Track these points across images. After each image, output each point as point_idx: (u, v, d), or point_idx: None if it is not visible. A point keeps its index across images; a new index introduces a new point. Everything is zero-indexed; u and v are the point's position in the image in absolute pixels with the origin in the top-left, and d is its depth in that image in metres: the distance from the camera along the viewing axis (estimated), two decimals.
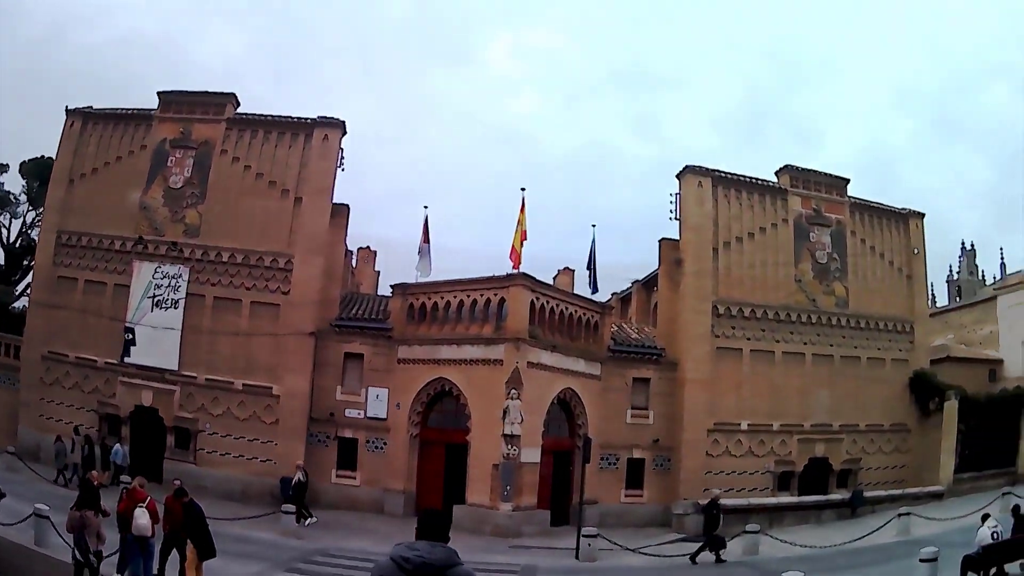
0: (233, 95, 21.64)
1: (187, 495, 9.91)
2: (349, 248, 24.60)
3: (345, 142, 21.01)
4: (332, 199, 20.65)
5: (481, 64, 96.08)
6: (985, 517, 12.06)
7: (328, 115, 20.90)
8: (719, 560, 15.14)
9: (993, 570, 11.28)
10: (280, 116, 21.16)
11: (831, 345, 23.10)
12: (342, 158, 20.82)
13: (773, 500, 21.29)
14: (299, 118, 21.03)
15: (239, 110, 21.61)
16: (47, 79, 52.86)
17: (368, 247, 29.19)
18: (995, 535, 11.45)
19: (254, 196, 20.48)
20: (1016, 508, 12.61)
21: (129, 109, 22.09)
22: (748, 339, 21.82)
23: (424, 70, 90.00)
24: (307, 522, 15.92)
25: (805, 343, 22.62)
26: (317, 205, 20.22)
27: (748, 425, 21.58)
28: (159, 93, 21.79)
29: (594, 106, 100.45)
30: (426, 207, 25.42)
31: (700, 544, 15.41)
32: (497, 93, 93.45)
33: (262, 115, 21.32)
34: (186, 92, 21.68)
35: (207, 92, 21.58)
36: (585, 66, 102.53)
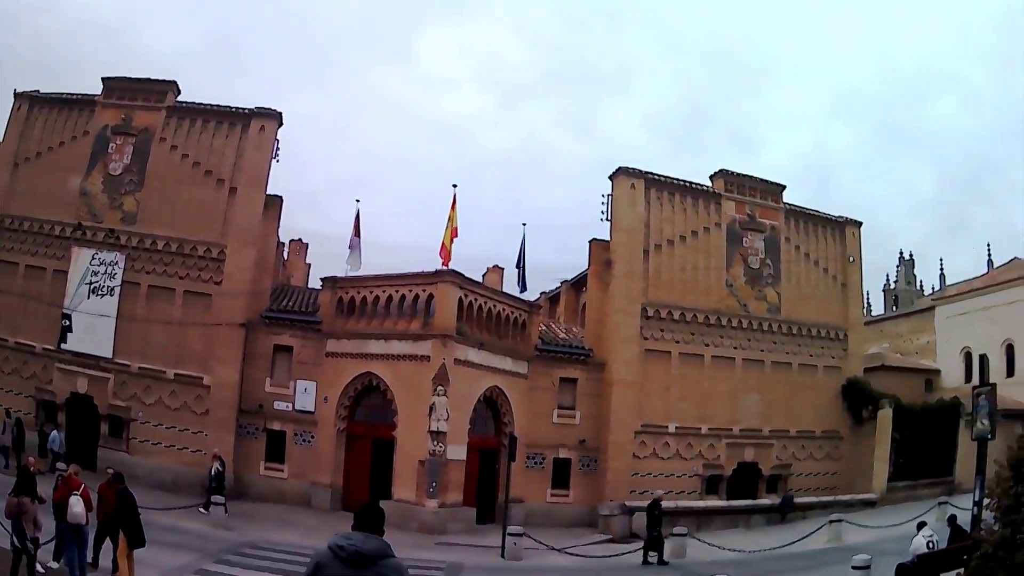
0: (174, 83, 22.53)
1: (123, 482, 10.45)
2: (281, 240, 25.64)
3: (282, 134, 22.19)
4: (266, 190, 21.65)
5: (421, 60, 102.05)
6: (920, 526, 12.71)
7: (265, 106, 21.99)
8: (661, 562, 16.35)
9: None
10: (218, 105, 22.11)
11: (762, 350, 24.76)
12: (277, 149, 21.88)
13: (701, 503, 22.83)
14: (237, 108, 22.03)
15: (180, 98, 22.48)
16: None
17: (300, 239, 30.53)
18: (931, 544, 12.05)
19: (190, 185, 21.32)
20: (953, 518, 13.59)
21: (74, 94, 22.90)
22: (677, 342, 23.29)
23: (365, 64, 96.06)
24: (206, 510, 16.62)
25: (735, 348, 24.21)
26: (251, 196, 21.25)
27: (676, 428, 22.99)
28: (103, 79, 22.62)
29: (531, 105, 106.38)
30: (358, 201, 27.11)
31: (644, 544, 16.71)
32: (436, 89, 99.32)
33: (201, 104, 22.21)
34: (129, 79, 22.51)
35: (149, 79, 22.43)
36: (524, 64, 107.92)
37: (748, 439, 24.52)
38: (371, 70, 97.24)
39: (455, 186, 21.21)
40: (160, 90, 22.36)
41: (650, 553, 16.62)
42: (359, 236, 22.50)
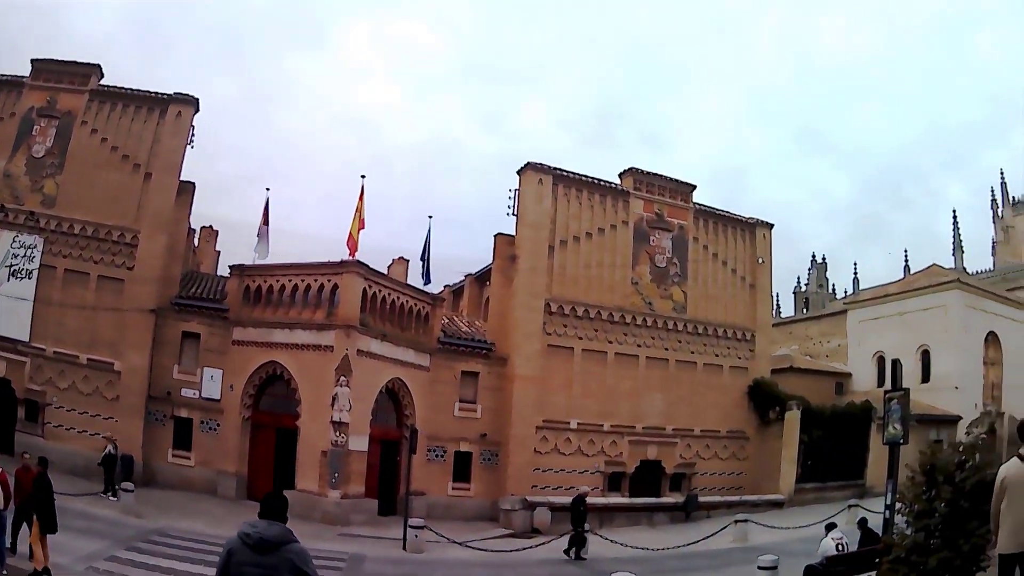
0: (98, 66, 24.82)
1: (46, 467, 11.88)
2: (192, 227, 28.26)
3: (197, 120, 24.83)
4: (179, 176, 24.26)
5: (337, 49, 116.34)
6: (830, 528, 14.41)
7: (183, 92, 24.62)
8: (579, 557, 18.68)
9: None
10: (138, 90, 24.59)
11: (666, 349, 28.83)
12: (192, 135, 24.53)
13: (603, 500, 25.83)
14: (156, 93, 24.56)
15: (103, 82, 24.80)
16: None
17: (211, 226, 33.06)
18: (840, 547, 13.54)
19: (108, 169, 23.67)
20: (863, 521, 15.24)
21: (3, 75, 24.85)
22: (580, 338, 26.97)
23: (282, 52, 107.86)
24: (110, 495, 18.85)
25: (639, 345, 28.15)
26: (165, 182, 23.81)
27: (578, 424, 26.61)
28: (32, 61, 24.69)
29: (445, 98, 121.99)
30: (268, 189, 30.23)
31: (577, 537, 19.02)
32: (350, 79, 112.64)
33: (122, 88, 24.63)
34: (55, 61, 24.68)
35: (74, 62, 24.72)
36: (437, 57, 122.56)
37: (651, 437, 28.52)
38: (287, 58, 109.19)
39: (363, 177, 24.62)
40: (84, 73, 24.75)
41: (576, 549, 19.18)
42: (267, 224, 25.45)
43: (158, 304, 22.92)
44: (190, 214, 25.84)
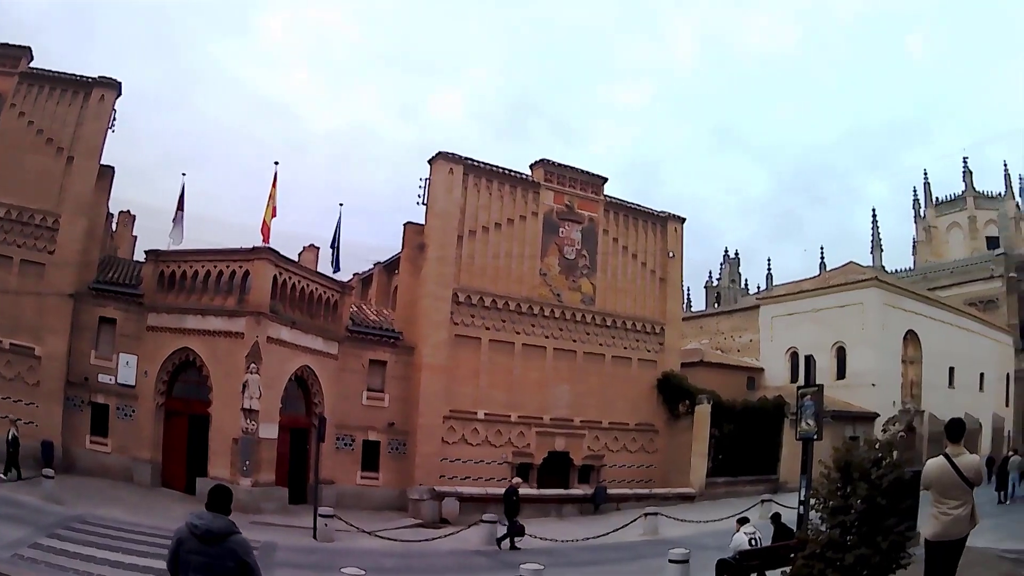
0: (28, 49, 28.23)
1: None
2: (111, 211, 32.03)
3: (120, 104, 28.59)
4: (100, 160, 27.98)
5: (259, 36, 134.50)
6: (742, 522, 16.42)
7: (107, 75, 28.34)
8: (513, 547, 22.03)
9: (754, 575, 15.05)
10: (65, 73, 28.16)
11: (574, 341, 34.55)
12: (114, 120, 28.27)
13: None
14: (81, 76, 28.21)
15: (32, 64, 28.18)
16: None
17: (128, 211, 36.99)
18: (753, 541, 15.43)
19: (34, 152, 27.08)
20: (776, 516, 17.65)
21: None
22: (488, 329, 32.24)
23: (205, 38, 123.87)
24: (7, 475, 22.10)
25: (547, 337, 33.74)
26: (86, 166, 27.48)
27: (485, 414, 31.84)
28: None
29: (362, 86, 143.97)
30: (184, 174, 33.83)
31: (511, 527, 22.49)
32: (272, 67, 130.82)
33: (49, 71, 28.10)
34: None
35: (5, 44, 27.99)
36: (358, 46, 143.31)
37: (559, 429, 34.20)
38: (211, 44, 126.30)
39: (276, 164, 29.12)
40: (15, 56, 28.18)
41: (512, 539, 22.71)
42: (183, 210, 29.67)
43: (77, 289, 26.69)
44: (109, 198, 29.78)
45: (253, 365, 25.43)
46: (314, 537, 21.38)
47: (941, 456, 9.32)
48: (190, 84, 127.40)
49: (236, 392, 25.32)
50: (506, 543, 22.52)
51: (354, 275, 40.87)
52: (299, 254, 34.82)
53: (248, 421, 25.24)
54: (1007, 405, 63.30)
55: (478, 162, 33.26)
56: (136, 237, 37.24)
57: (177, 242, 28.99)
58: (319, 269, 32.34)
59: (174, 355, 26.68)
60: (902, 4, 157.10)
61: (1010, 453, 35.87)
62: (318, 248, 35.35)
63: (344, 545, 21.16)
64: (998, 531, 18.87)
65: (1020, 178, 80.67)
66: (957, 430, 9.66)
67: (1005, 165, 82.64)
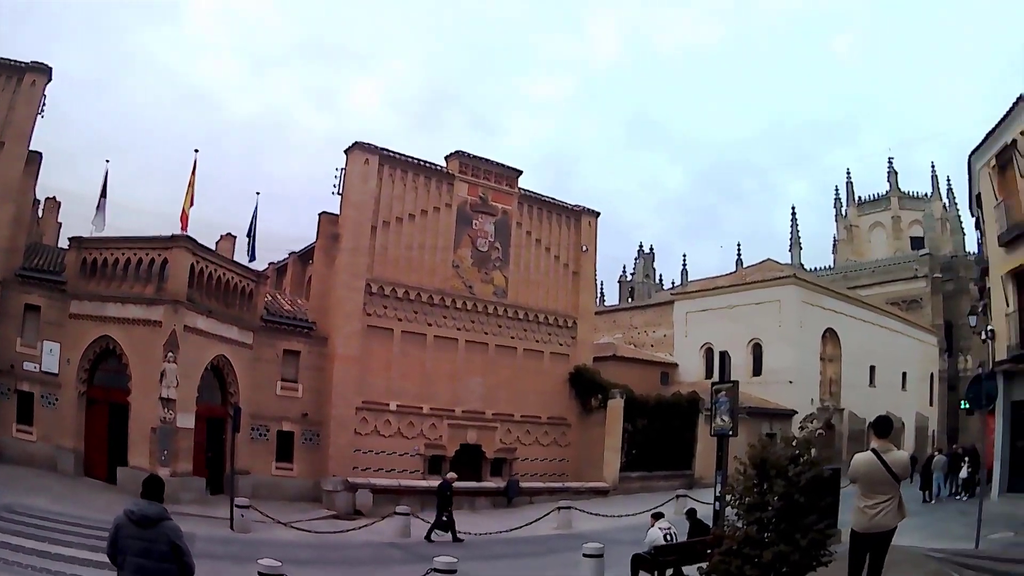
0: None
1: None
2: (37, 197, 35.45)
3: (50, 89, 31.98)
4: (29, 146, 31.35)
5: (188, 23, 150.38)
6: (657, 517, 18.27)
7: (39, 60, 31.78)
8: (456, 539, 25.50)
9: (669, 571, 17.16)
10: (2, 59, 31.40)
11: (486, 333, 39.78)
12: (44, 105, 31.72)
13: (424, 483, 33.71)
14: (13, 61, 31.54)
15: None
16: None
17: (54, 197, 40.40)
18: (668, 536, 17.22)
19: None
20: (692, 512, 19.68)
21: None
22: (400, 320, 37.02)
23: (138, 25, 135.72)
24: None
25: (459, 329, 38.82)
26: (15, 151, 30.74)
27: (397, 406, 36.53)
28: None
29: (282, 74, 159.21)
30: (108, 161, 36.77)
31: (442, 522, 25.84)
32: (197, 54, 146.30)
33: None
34: None
35: None
36: (277, 32, 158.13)
37: (471, 421, 39.39)
38: (142, 30, 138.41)
39: (196, 151, 33.25)
40: None
41: (436, 532, 26.17)
42: (106, 197, 33.55)
43: (3, 276, 30.16)
44: (36, 184, 33.53)
45: (171, 354, 29.21)
46: (231, 528, 24.47)
47: (869, 451, 10.62)
48: (120, 70, 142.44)
49: (155, 381, 28.89)
50: (444, 536, 26.23)
51: (269, 264, 45.34)
52: (216, 243, 38.88)
53: (166, 410, 28.72)
54: (931, 405, 71.98)
55: (394, 153, 38.26)
56: (61, 224, 40.79)
57: (99, 229, 32.77)
58: (236, 258, 36.54)
59: (95, 343, 30.30)
60: (831, 4, 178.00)
61: (935, 453, 42.34)
62: (235, 237, 39.59)
63: (261, 536, 24.08)
64: (924, 530, 21.93)
65: (948, 179, 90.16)
66: (884, 426, 11.19)
67: (933, 166, 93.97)
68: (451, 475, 29.46)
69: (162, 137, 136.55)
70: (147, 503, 8.37)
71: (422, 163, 39.26)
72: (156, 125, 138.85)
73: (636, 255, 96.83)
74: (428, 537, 25.98)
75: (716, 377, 40.35)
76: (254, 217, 36.33)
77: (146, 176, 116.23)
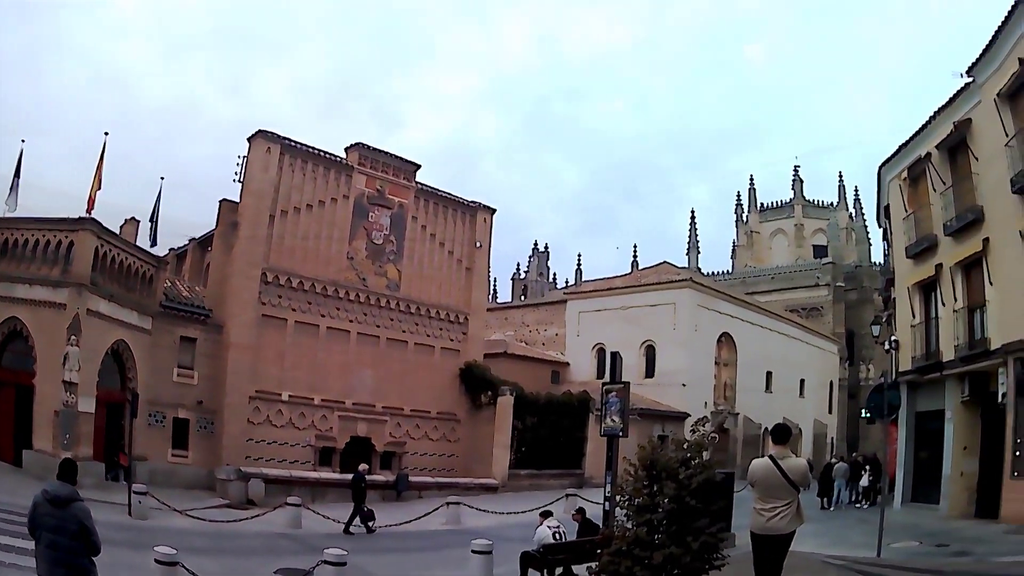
0: None
1: None
2: None
3: None
4: None
5: (108, 6, 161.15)
6: (546, 515, 20.84)
7: None
8: (370, 531, 29.50)
9: (559, 570, 19.13)
10: None
11: (378, 326, 46.73)
12: None
13: (315, 475, 40.18)
14: None
15: None
16: None
17: None
18: (557, 535, 19.48)
19: None
20: (581, 511, 21.76)
21: None
22: (294, 310, 43.47)
23: (60, 8, 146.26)
24: None
25: (351, 321, 45.59)
26: None
27: (289, 396, 42.91)
28: None
29: (194, 59, 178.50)
30: (24, 141, 42.19)
31: (362, 513, 29.70)
32: (114, 37, 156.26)
33: None
34: None
35: None
36: (192, 17, 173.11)
37: (361, 414, 46.21)
38: (63, 11, 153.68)
39: (107, 134, 38.87)
40: None
41: (354, 523, 30.06)
42: (19, 177, 38.67)
43: None
44: None
45: (74, 337, 33.64)
46: (129, 514, 27.26)
47: (767, 457, 11.92)
48: (41, 51, 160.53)
49: (58, 364, 32.45)
50: (360, 528, 30.22)
51: (170, 250, 51.20)
52: (121, 227, 44.12)
53: (68, 394, 32.58)
54: (830, 412, 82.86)
55: (295, 142, 44.79)
56: None
57: (12, 209, 37.93)
58: (138, 243, 42.13)
59: (4, 324, 34.56)
60: (745, 13, 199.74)
61: (834, 460, 49.36)
62: (139, 221, 44.99)
63: (157, 523, 26.78)
64: (822, 537, 24.41)
65: (856, 190, 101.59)
66: (782, 433, 12.54)
67: (840, 176, 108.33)
68: (363, 466, 34.55)
69: (80, 119, 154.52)
70: (60, 484, 10.63)
71: (322, 154, 45.97)
72: (74, 107, 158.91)
73: (531, 253, 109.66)
74: (347, 529, 30.00)
75: (607, 377, 46.41)
76: (157, 202, 42.31)
77: (63, 157, 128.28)
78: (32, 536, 10.61)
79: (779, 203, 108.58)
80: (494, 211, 53.49)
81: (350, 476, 37.38)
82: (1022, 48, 27.66)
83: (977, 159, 31.66)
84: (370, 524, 30.48)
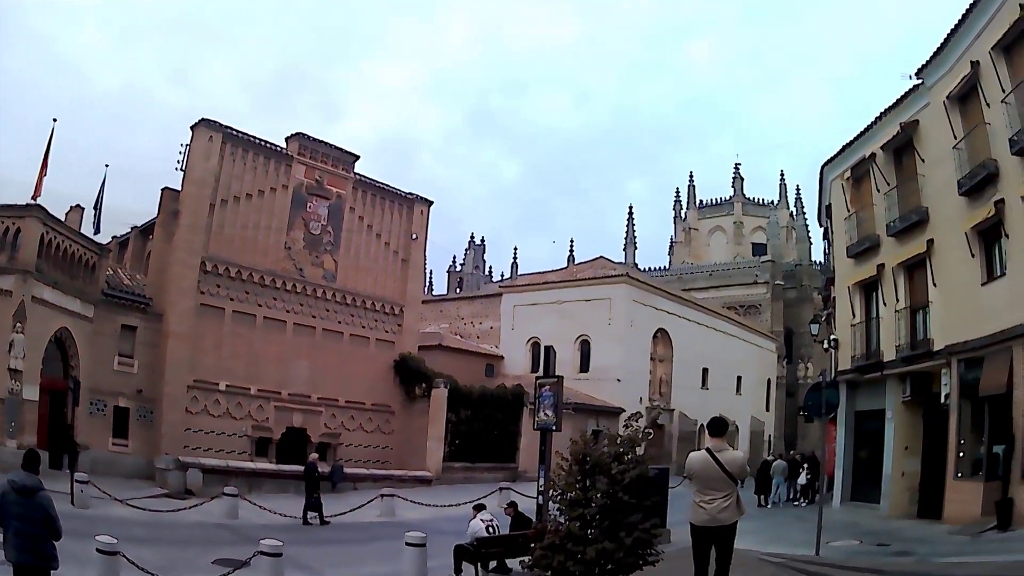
0: None
1: None
2: None
3: None
4: None
5: None
6: (479, 508, 22.53)
7: None
8: (323, 521, 31.93)
9: (493, 563, 20.73)
10: None
11: (314, 317, 50.56)
12: None
13: (252, 465, 42.78)
14: None
15: None
16: None
17: None
18: (490, 528, 21.04)
19: None
20: (514, 504, 23.74)
21: None
22: (232, 299, 46.99)
23: None
24: None
25: (288, 311, 49.29)
26: None
27: (227, 386, 46.36)
28: None
29: (144, 47, 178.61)
30: None
31: (314, 502, 32.12)
32: (67, 22, 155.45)
33: None
34: None
35: None
36: (145, 4, 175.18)
37: (297, 404, 50.03)
38: None
39: (55, 121, 41.81)
40: None
41: (310, 514, 32.40)
42: None
43: None
44: None
45: (19, 324, 36.07)
46: (72, 503, 28.76)
47: (704, 450, 12.64)
48: None
49: (4, 351, 34.33)
50: (314, 518, 32.67)
51: (113, 238, 54.18)
52: (67, 214, 47.05)
53: (13, 382, 34.55)
54: (767, 410, 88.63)
55: (237, 132, 48.41)
56: None
57: None
58: (83, 230, 45.23)
59: None
60: (690, 12, 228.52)
61: (772, 458, 52.68)
62: (83, 209, 48.07)
63: (99, 512, 28.33)
64: (760, 534, 25.59)
65: (797, 188, 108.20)
66: (718, 426, 13.35)
67: (782, 175, 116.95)
68: (314, 455, 37.71)
69: (28, 104, 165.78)
70: (26, 475, 11.80)
71: (263, 143, 49.68)
72: (22, 92, 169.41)
73: (467, 246, 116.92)
74: (305, 520, 32.63)
75: (542, 371, 49.27)
76: (101, 190, 45.83)
77: (11, 143, 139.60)
78: (0, 524, 11.85)
79: (719, 200, 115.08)
80: (431, 203, 57.78)
81: (287, 467, 42.32)
82: (975, 51, 29.43)
83: (924, 161, 33.72)
84: (322, 515, 32.99)
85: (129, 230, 55.42)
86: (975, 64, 29.17)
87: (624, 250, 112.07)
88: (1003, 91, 27.68)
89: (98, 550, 16.39)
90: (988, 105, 28.86)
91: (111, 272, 45.59)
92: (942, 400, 31.23)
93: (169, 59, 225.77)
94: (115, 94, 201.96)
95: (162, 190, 46.65)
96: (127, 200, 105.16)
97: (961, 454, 29.61)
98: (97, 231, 45.63)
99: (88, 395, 39.30)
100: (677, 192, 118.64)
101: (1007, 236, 27.76)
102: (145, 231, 52.70)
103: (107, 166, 46.55)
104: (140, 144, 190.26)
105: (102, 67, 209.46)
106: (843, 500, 38.19)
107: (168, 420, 43.72)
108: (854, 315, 39.46)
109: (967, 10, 29.65)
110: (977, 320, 28.97)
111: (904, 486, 34.03)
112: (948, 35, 31.09)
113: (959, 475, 29.43)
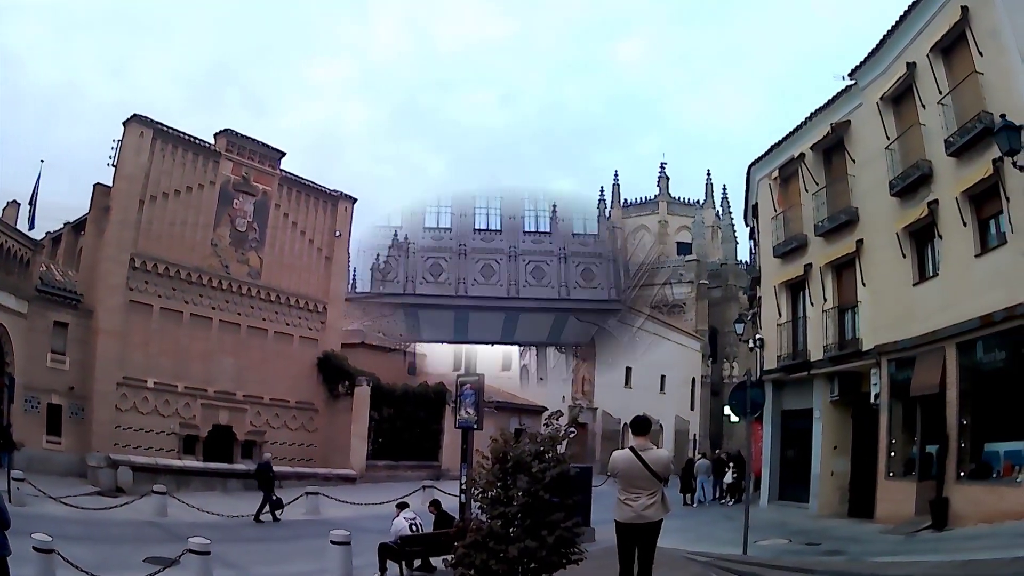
0: None
1: None
2: None
3: None
4: None
5: None
6: (402, 507, 24.84)
7: None
8: (275, 519, 35.41)
9: (418, 562, 22.92)
10: None
11: (239, 314, 56.49)
12: None
13: (179, 463, 47.00)
14: None
15: None
16: None
17: None
18: (413, 527, 23.10)
19: None
20: (436, 502, 25.82)
21: None
22: (160, 296, 52.41)
23: None
24: None
25: (213, 308, 55.04)
26: None
27: (155, 383, 51.63)
28: None
29: (83, 40, 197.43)
30: None
31: (272, 502, 35.41)
32: (7, 11, 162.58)
33: None
34: None
35: None
36: None
37: (223, 402, 55.85)
38: None
39: None
40: None
41: (264, 511, 35.74)
42: None
43: None
44: None
45: None
46: (9, 501, 26.58)
47: (627, 448, 14.07)
48: None
49: None
50: (267, 516, 35.91)
51: (47, 234, 59.55)
52: (3, 209, 52.56)
53: None
54: (692, 409, 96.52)
55: (167, 127, 54.10)
56: None
57: None
58: (18, 226, 50.66)
59: None
60: (620, 11, 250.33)
61: (696, 457, 57.71)
62: (19, 204, 53.55)
63: (35, 511, 30.53)
64: (686, 533, 27.16)
65: (724, 188, 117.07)
66: (642, 425, 14.60)
67: (708, 174, 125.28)
68: (268, 455, 42.29)
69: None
70: None
71: (192, 139, 55.55)
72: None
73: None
74: (273, 517, 36.11)
75: (463, 370, 57.29)
76: (36, 185, 51.36)
77: None
78: None
79: (644, 199, 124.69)
80: (355, 200, 64.64)
81: (214, 465, 48.02)
82: (912, 52, 31.55)
83: (854, 161, 36.17)
84: (276, 513, 36.50)
85: (62, 225, 60.50)
86: (911, 65, 31.69)
87: None
88: (940, 92, 29.99)
89: (35, 548, 17.73)
90: (924, 106, 31.28)
91: (44, 268, 50.57)
92: (872, 400, 33.76)
93: (108, 53, 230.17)
94: (52, 87, 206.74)
95: (94, 186, 51.56)
96: (62, 195, 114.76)
97: (892, 453, 32.14)
98: (32, 227, 51.25)
99: (23, 392, 42.58)
100: (601, 191, 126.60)
101: (940, 237, 30.15)
102: (78, 227, 57.75)
103: (43, 161, 51.63)
104: (77, 138, 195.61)
105: (41, 60, 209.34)
106: (771, 499, 41.13)
107: (99, 417, 48.17)
108: (780, 315, 42.34)
109: (906, 11, 31.95)
110: (908, 320, 31.52)
111: (834, 485, 36.64)
112: (884, 36, 33.51)
113: (891, 474, 31.92)
